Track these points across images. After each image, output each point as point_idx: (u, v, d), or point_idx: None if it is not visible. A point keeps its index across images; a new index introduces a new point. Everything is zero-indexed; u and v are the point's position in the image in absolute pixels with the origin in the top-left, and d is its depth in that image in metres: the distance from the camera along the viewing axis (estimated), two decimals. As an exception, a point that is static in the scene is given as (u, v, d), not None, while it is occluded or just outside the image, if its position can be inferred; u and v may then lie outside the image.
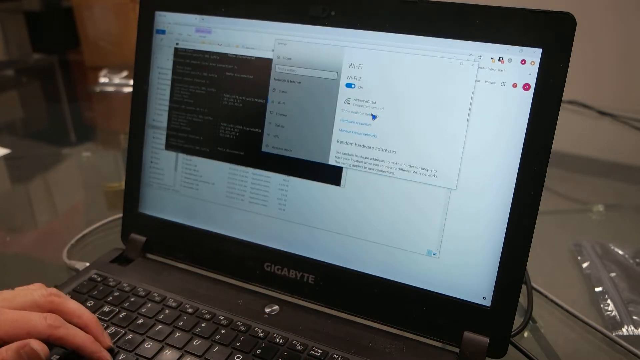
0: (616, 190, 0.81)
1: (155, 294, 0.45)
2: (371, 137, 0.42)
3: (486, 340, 0.39)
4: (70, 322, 0.37)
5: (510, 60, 0.38)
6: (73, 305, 0.38)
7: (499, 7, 0.37)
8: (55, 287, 0.42)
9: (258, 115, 0.46)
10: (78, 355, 0.37)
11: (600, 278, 0.55)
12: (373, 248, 0.43)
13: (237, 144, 0.47)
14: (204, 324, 0.42)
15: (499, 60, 0.38)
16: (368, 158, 0.42)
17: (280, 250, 0.46)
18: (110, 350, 0.38)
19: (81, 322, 0.38)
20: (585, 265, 0.57)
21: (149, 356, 0.39)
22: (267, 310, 0.44)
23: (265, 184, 0.46)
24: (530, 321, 0.48)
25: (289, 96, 0.45)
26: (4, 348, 0.34)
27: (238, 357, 0.39)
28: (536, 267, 0.53)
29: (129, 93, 1.18)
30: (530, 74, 0.37)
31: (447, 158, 0.40)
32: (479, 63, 0.38)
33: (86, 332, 0.38)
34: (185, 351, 0.39)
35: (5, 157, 0.88)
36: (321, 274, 0.45)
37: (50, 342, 0.36)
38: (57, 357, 0.38)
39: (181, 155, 0.50)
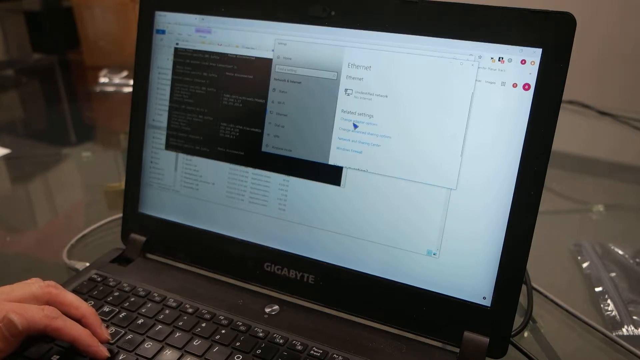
0: (616, 190, 0.81)
1: (155, 294, 0.45)
2: (371, 137, 0.42)
3: (486, 340, 0.39)
4: (68, 314, 0.37)
5: (510, 60, 0.38)
6: (70, 297, 0.38)
7: (499, 7, 0.37)
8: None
9: (258, 115, 0.46)
10: (79, 354, 0.37)
11: (600, 278, 0.55)
12: (373, 248, 0.43)
13: (237, 144, 0.47)
14: (204, 324, 0.42)
15: (499, 60, 0.38)
16: (368, 158, 0.42)
17: (280, 250, 0.46)
18: (108, 344, 0.38)
19: (78, 314, 0.38)
20: (585, 265, 0.57)
21: (149, 356, 0.39)
22: (267, 310, 0.44)
23: (265, 184, 0.46)
24: (530, 321, 0.48)
25: (289, 96, 0.45)
26: None
27: (238, 357, 0.39)
28: (536, 267, 0.53)
29: (129, 93, 1.18)
30: (530, 74, 0.37)
31: (447, 158, 0.40)
32: (479, 63, 0.38)
33: (84, 323, 0.38)
34: (185, 351, 0.39)
35: (5, 157, 0.88)
36: (321, 274, 0.45)
37: (48, 334, 0.36)
38: (57, 357, 0.38)
39: (181, 155, 0.50)
